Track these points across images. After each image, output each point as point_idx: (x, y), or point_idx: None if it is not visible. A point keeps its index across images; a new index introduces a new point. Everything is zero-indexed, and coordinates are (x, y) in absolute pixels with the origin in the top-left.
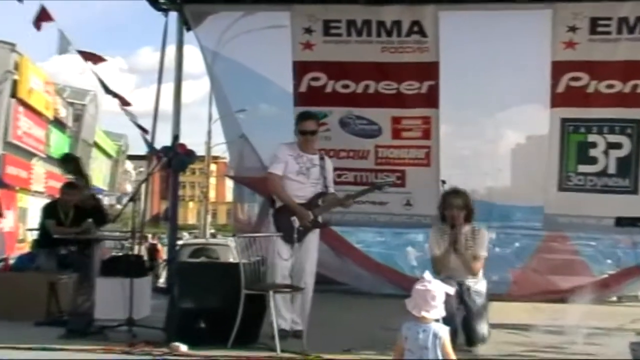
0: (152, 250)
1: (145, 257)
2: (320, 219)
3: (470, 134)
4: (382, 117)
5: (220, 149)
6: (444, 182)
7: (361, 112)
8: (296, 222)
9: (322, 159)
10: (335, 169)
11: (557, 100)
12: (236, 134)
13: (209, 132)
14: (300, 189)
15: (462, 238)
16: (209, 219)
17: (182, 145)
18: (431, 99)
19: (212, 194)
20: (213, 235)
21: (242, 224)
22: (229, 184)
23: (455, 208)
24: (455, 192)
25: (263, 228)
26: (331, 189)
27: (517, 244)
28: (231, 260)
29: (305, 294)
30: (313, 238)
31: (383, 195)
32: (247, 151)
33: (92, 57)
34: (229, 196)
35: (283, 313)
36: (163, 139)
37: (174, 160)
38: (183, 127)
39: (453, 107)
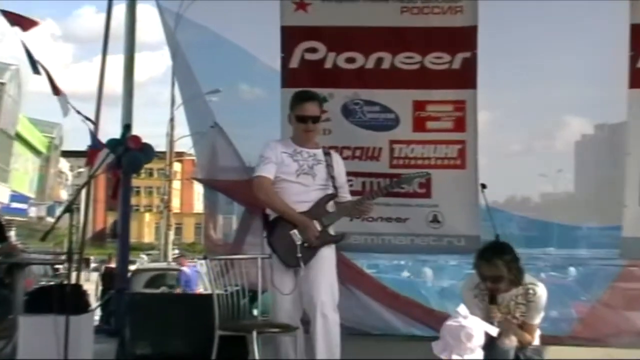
0: (109, 277)
1: (99, 287)
2: (332, 230)
3: (519, 123)
4: (400, 101)
5: (187, 143)
6: (484, 186)
7: (372, 95)
8: (297, 236)
9: (327, 154)
10: None
11: (639, 78)
12: (207, 123)
13: (172, 121)
14: (305, 193)
15: (510, 303)
16: (172, 235)
17: (136, 138)
18: (466, 77)
19: (175, 203)
20: (177, 258)
21: (215, 242)
22: (199, 189)
23: (490, 280)
24: (488, 259)
25: (243, 247)
26: (345, 193)
27: (581, 268)
28: (201, 290)
29: (329, 333)
30: (327, 256)
31: (401, 209)
32: (221, 146)
33: (21, 21)
34: (198, 206)
35: None
36: (110, 130)
37: (125, 158)
38: (137, 113)
39: (495, 87)
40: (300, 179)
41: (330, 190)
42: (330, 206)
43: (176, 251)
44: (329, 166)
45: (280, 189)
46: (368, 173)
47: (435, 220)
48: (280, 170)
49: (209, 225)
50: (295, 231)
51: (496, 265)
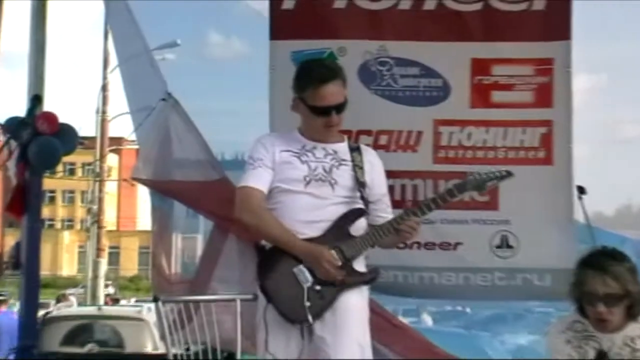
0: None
1: None
2: (360, 263)
3: (636, 92)
4: (452, 60)
5: (126, 125)
6: (582, 191)
7: (407, 49)
8: (305, 275)
9: (355, 150)
10: None
11: None
12: (156, 95)
13: (104, 90)
14: (318, 210)
15: (623, 349)
16: (104, 265)
17: (49, 117)
18: (555, 23)
19: (109, 216)
20: (112, 300)
21: (169, 277)
22: (144, 195)
23: (603, 301)
24: (603, 266)
25: (211, 285)
26: (383, 212)
27: None
28: (149, 349)
29: None
30: (352, 305)
31: (449, 228)
32: (177, 129)
33: None
34: (144, 220)
35: None
36: (11, 104)
37: (33, 147)
38: (51, 79)
39: (598, 38)
40: (312, 188)
41: (358, 205)
42: (358, 228)
43: (110, 289)
44: (358, 168)
45: (281, 206)
46: (400, 172)
47: (504, 245)
48: (280, 177)
49: (160, 249)
50: (302, 267)
51: (616, 275)
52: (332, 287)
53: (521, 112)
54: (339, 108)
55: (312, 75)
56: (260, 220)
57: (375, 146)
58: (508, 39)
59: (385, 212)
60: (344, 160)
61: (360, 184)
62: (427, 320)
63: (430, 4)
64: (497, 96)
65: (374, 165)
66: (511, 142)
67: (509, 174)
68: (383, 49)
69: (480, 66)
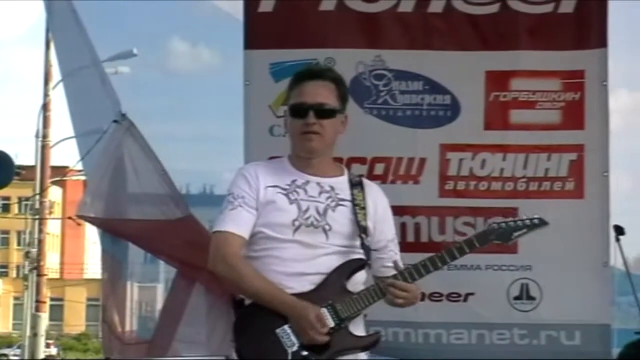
0: None
1: None
2: (358, 325)
3: None
4: (463, 73)
5: (71, 152)
6: (620, 231)
7: (408, 60)
8: (290, 337)
9: (356, 185)
10: None
11: None
12: (107, 115)
13: (45, 109)
14: (308, 262)
15: None
16: (45, 321)
17: None
18: (587, 27)
19: (52, 262)
20: None
21: (122, 337)
22: (92, 236)
23: None
24: None
25: (173, 346)
26: (389, 258)
27: None
28: None
29: None
30: None
31: (460, 275)
32: (132, 156)
33: None
34: (92, 267)
35: None
36: None
37: None
38: None
39: None
40: (301, 235)
41: (357, 254)
42: (356, 283)
43: (52, 350)
44: (359, 209)
45: (264, 254)
46: (399, 208)
47: (525, 295)
48: (264, 221)
49: (111, 302)
50: (286, 327)
51: None
52: (321, 351)
53: (546, 135)
54: (321, 111)
55: (296, 74)
56: (238, 273)
57: (370, 177)
58: (530, 47)
59: (390, 262)
60: (342, 200)
61: (361, 229)
62: None
63: (437, 5)
64: (516, 116)
65: (379, 206)
66: (533, 171)
67: (542, 223)
68: (379, 59)
69: (496, 80)
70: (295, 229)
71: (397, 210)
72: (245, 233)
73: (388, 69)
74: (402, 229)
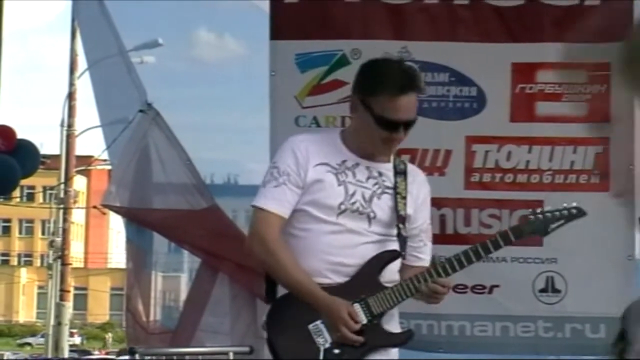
0: None
1: None
2: (392, 319)
3: None
4: (489, 65)
5: (96, 141)
6: None
7: (434, 51)
8: (323, 332)
9: (400, 173)
10: None
11: None
12: (132, 105)
13: (70, 99)
14: (347, 249)
15: None
16: (70, 309)
17: (6, 132)
18: (614, 19)
19: (76, 251)
20: (77, 351)
21: (147, 325)
22: (117, 225)
23: None
24: None
25: (197, 335)
26: (421, 252)
27: None
28: None
29: None
30: None
31: (483, 268)
32: (157, 146)
33: None
34: (116, 257)
35: None
36: None
37: None
38: (7, 85)
39: None
40: (345, 219)
41: (392, 244)
42: (389, 274)
43: (76, 339)
44: (400, 197)
45: (305, 235)
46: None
47: (550, 288)
48: (310, 198)
49: (136, 291)
50: (320, 323)
51: None
52: (354, 349)
53: (572, 128)
54: (409, 125)
55: (391, 79)
56: (275, 259)
57: None
58: (556, 40)
59: (422, 253)
60: (387, 187)
61: (399, 218)
62: None
63: None
64: (542, 108)
65: (420, 192)
66: (559, 163)
67: (580, 213)
68: (405, 51)
69: (522, 72)
70: (341, 212)
71: None
72: (286, 213)
73: (414, 61)
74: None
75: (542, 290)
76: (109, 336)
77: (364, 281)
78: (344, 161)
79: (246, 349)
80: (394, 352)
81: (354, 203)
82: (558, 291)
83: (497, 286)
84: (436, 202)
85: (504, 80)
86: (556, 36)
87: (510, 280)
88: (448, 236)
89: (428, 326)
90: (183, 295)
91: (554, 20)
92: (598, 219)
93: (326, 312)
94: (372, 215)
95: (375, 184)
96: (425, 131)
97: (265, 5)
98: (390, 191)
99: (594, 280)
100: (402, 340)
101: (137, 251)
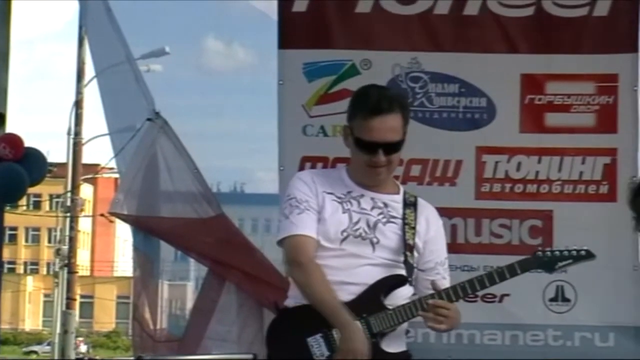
0: None
1: None
2: (391, 342)
3: None
4: (498, 76)
5: (104, 149)
6: None
7: (442, 61)
8: (320, 348)
9: (410, 205)
10: None
11: None
12: (140, 113)
13: (77, 107)
14: (350, 270)
15: None
16: (76, 318)
17: (13, 140)
18: (621, 30)
19: (82, 259)
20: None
21: (153, 334)
22: (124, 234)
23: None
24: None
25: (204, 344)
26: (434, 278)
27: None
28: None
29: None
30: None
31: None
32: (165, 154)
33: None
34: (123, 265)
35: None
36: None
37: None
38: (16, 93)
39: None
40: (349, 245)
41: (400, 270)
42: (394, 299)
43: (82, 347)
44: (409, 228)
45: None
46: (439, 209)
47: (560, 297)
48: (318, 226)
49: (143, 300)
50: (319, 337)
51: None
52: None
53: (580, 138)
54: (390, 147)
55: (365, 100)
56: (307, 278)
57: (406, 178)
58: (565, 51)
59: (440, 283)
60: (393, 217)
61: (406, 247)
62: None
63: (472, 8)
64: (551, 119)
65: (431, 226)
66: (568, 174)
67: (589, 256)
68: (415, 61)
69: (531, 83)
70: (343, 239)
71: None
72: (314, 234)
73: (424, 72)
74: None
75: (553, 300)
76: None
77: (368, 302)
78: (349, 192)
79: (250, 356)
80: None
81: (357, 230)
82: (568, 300)
83: (507, 295)
84: (447, 212)
85: (513, 91)
86: (565, 47)
87: (521, 289)
88: (459, 245)
89: (436, 335)
90: (190, 304)
91: (562, 31)
92: (606, 229)
93: (345, 329)
94: (375, 240)
95: (380, 213)
96: (436, 142)
97: (274, 14)
98: (397, 221)
99: (603, 289)
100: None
101: (144, 259)
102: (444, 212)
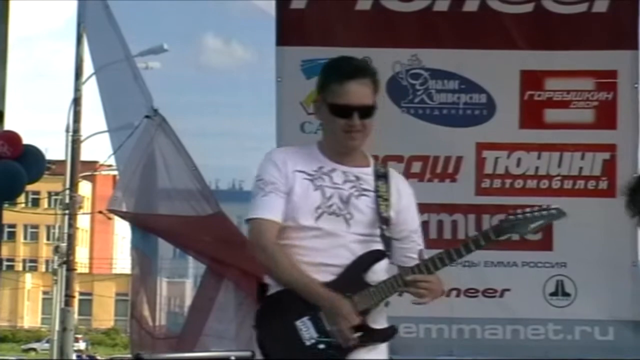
0: None
1: None
2: (378, 316)
3: None
4: (498, 72)
5: (102, 146)
6: None
7: (442, 58)
8: (309, 330)
9: (381, 176)
10: None
11: None
12: (138, 111)
13: (76, 104)
14: (328, 251)
15: None
16: (75, 315)
17: (12, 137)
18: (621, 27)
19: (81, 256)
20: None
21: (152, 331)
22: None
23: None
24: None
25: (202, 340)
26: (411, 252)
27: None
28: None
29: None
30: None
31: (494, 272)
32: (163, 151)
33: None
34: (121, 262)
35: None
36: None
37: None
38: (14, 91)
39: None
40: (323, 222)
41: (377, 244)
42: (375, 274)
43: (81, 344)
44: (382, 200)
45: (288, 245)
46: (437, 205)
47: (560, 292)
48: (289, 206)
49: (141, 297)
50: (306, 319)
51: None
52: (338, 345)
53: (580, 134)
54: (364, 111)
55: (337, 68)
56: (274, 262)
57: (407, 175)
58: (564, 47)
59: (415, 253)
60: (365, 190)
61: (382, 220)
62: None
63: (472, 4)
64: (551, 115)
65: (402, 196)
66: (567, 169)
67: (560, 214)
68: (415, 58)
69: (531, 79)
70: (318, 216)
71: (435, 208)
72: (278, 217)
73: (424, 68)
74: (439, 226)
75: (553, 294)
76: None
77: (350, 280)
78: (320, 167)
79: (248, 353)
80: (382, 348)
81: (330, 206)
82: (568, 295)
83: (508, 290)
84: (448, 208)
85: (513, 87)
86: (564, 44)
87: (522, 284)
88: (460, 241)
89: (438, 330)
90: (188, 301)
91: (561, 28)
92: (605, 225)
93: (328, 306)
94: (348, 217)
95: (353, 186)
96: (436, 138)
97: (272, 12)
98: (369, 194)
99: (602, 284)
100: (384, 336)
101: (143, 257)
102: (445, 208)
